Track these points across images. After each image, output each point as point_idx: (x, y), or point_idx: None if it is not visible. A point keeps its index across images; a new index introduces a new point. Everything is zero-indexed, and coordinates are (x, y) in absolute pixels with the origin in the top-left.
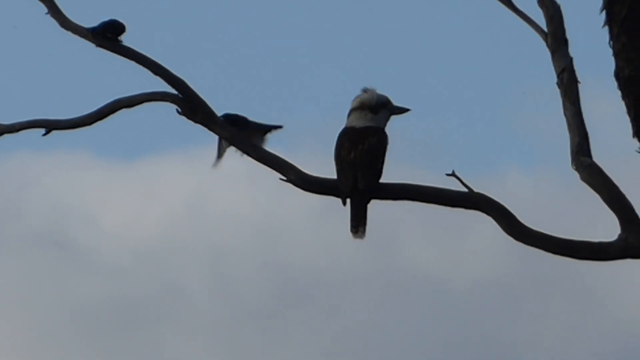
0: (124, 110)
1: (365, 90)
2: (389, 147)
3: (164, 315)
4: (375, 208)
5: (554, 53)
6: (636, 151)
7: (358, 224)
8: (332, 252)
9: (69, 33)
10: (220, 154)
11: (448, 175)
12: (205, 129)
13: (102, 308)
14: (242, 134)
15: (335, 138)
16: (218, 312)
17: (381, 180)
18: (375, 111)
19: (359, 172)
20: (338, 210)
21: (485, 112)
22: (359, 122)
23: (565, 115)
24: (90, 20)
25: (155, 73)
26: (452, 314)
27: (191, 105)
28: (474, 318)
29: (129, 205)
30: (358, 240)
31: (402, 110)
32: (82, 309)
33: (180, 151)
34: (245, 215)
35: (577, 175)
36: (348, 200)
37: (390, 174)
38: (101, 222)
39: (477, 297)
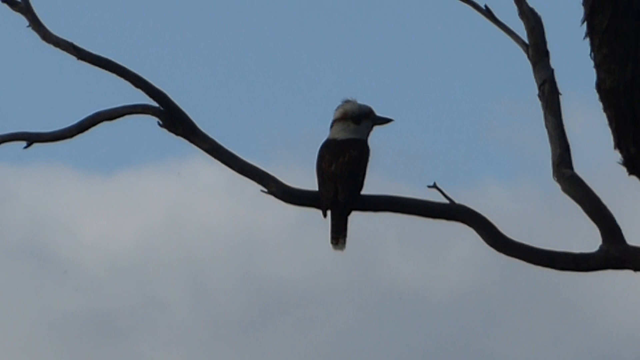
0: (104, 123)
1: (347, 101)
2: (370, 159)
3: (142, 328)
4: (355, 220)
5: (535, 65)
6: (617, 163)
7: (338, 235)
8: (311, 265)
9: (51, 46)
10: None
11: (429, 187)
12: (187, 142)
13: (80, 320)
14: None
15: (317, 150)
16: (196, 325)
17: (363, 192)
18: (358, 121)
19: (340, 184)
20: (318, 222)
21: (465, 124)
22: (340, 134)
23: (546, 127)
24: (71, 33)
25: (137, 86)
26: (431, 327)
27: (172, 118)
28: (453, 330)
29: (108, 218)
30: (338, 252)
31: (385, 121)
32: (60, 321)
33: (158, 164)
34: (224, 228)
35: (558, 186)
36: (329, 212)
37: (370, 186)
38: (79, 234)
39: (456, 309)
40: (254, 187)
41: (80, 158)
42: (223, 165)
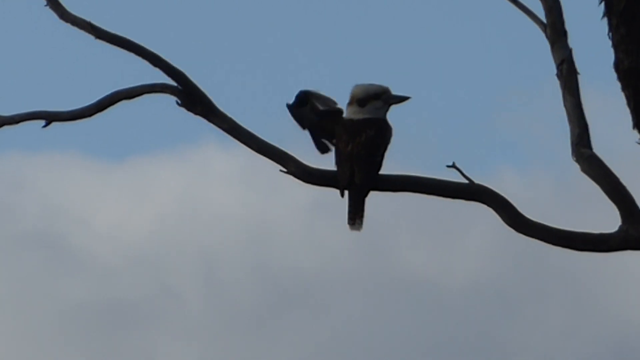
0: (123, 102)
1: (355, 85)
2: (392, 138)
3: (156, 318)
4: (372, 203)
5: (553, 44)
6: (636, 142)
7: (355, 216)
8: (325, 254)
9: (68, 25)
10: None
11: (448, 167)
12: (205, 121)
13: (93, 309)
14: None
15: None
16: (210, 315)
17: (382, 172)
18: (363, 104)
19: (356, 165)
20: (336, 203)
21: (479, 109)
22: (355, 114)
23: (565, 106)
24: (89, 12)
25: (155, 65)
26: (447, 314)
27: (191, 97)
28: (469, 318)
29: (120, 206)
30: (355, 232)
31: (400, 100)
32: (73, 310)
33: (170, 151)
34: (237, 216)
35: (577, 166)
36: (346, 192)
37: (385, 168)
38: (92, 223)
39: (471, 296)
40: (268, 173)
41: (92, 145)
42: (240, 147)
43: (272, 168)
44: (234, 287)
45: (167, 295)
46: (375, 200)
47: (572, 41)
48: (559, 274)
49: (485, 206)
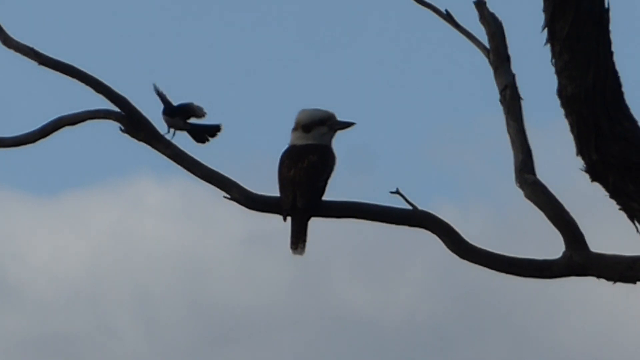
0: (66, 128)
1: (300, 111)
2: (335, 165)
3: (92, 353)
4: (310, 235)
5: (496, 70)
6: (580, 169)
7: (298, 240)
8: (263, 289)
9: (11, 51)
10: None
11: (392, 192)
12: (148, 147)
13: (28, 345)
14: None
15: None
16: (147, 350)
17: (325, 198)
18: (308, 129)
19: (298, 190)
20: (275, 235)
21: (422, 135)
22: (299, 140)
23: (508, 132)
24: (32, 38)
25: (98, 91)
26: (383, 353)
27: (134, 123)
28: (407, 353)
29: (56, 241)
30: (297, 257)
31: (345, 125)
32: (8, 345)
33: (106, 185)
34: (174, 251)
35: (520, 192)
36: (289, 217)
37: (329, 194)
38: (28, 258)
39: (409, 335)
40: (204, 207)
41: (26, 179)
42: (176, 179)
43: (208, 201)
44: (171, 323)
45: (103, 331)
46: (317, 229)
47: (515, 67)
48: (500, 304)
49: (429, 233)
